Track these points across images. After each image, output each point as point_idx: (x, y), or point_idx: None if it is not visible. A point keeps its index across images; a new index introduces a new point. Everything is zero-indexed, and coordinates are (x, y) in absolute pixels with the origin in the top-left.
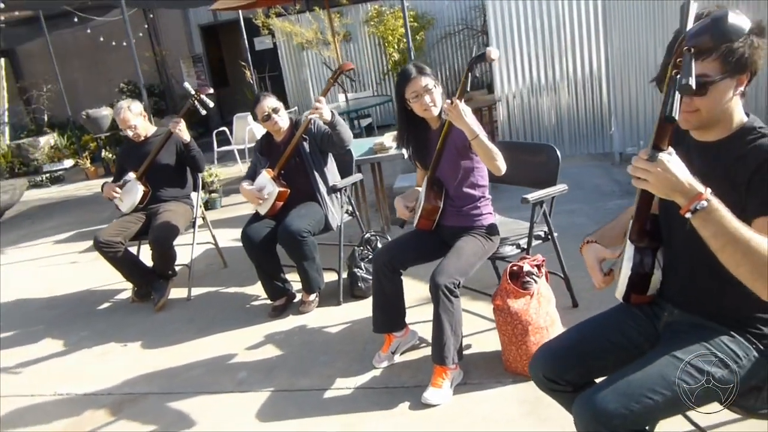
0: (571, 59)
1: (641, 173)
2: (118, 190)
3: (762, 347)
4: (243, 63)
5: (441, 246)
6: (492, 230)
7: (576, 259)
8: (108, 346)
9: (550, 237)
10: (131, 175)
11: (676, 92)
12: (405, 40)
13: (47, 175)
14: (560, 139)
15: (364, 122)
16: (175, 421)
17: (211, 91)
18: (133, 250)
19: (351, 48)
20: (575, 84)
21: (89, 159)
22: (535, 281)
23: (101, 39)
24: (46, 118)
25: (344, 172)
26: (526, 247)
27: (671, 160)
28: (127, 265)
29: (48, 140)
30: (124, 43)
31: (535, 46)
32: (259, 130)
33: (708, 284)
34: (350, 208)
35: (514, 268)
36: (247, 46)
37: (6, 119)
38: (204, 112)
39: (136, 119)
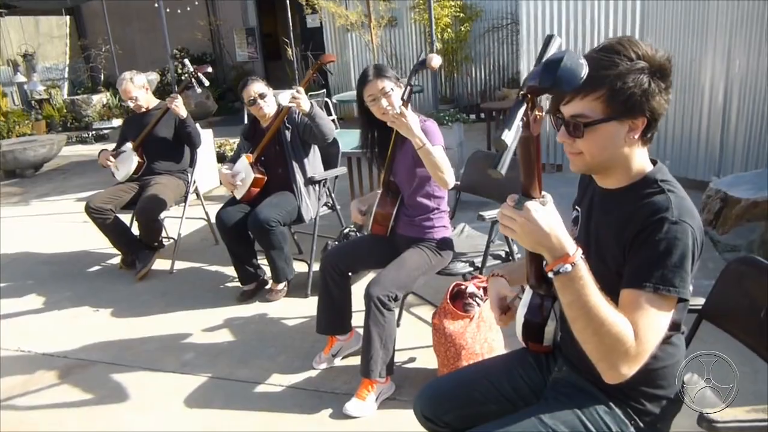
0: None
1: (507, 221)
2: (112, 158)
3: (642, 425)
4: (285, 39)
5: (395, 253)
6: (443, 244)
7: None
8: (82, 309)
9: (511, 258)
10: (128, 146)
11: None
12: (449, 30)
13: (94, 132)
14: None
15: None
16: (113, 393)
17: (210, 69)
18: (127, 218)
19: (395, 33)
20: None
21: None
22: (479, 304)
23: (155, 5)
24: (102, 77)
25: (330, 165)
26: (480, 266)
27: (539, 210)
28: (115, 232)
29: (101, 99)
30: (179, 11)
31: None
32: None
33: None
34: (330, 201)
35: (461, 287)
36: (290, 22)
37: (66, 75)
38: (199, 90)
39: (138, 91)
